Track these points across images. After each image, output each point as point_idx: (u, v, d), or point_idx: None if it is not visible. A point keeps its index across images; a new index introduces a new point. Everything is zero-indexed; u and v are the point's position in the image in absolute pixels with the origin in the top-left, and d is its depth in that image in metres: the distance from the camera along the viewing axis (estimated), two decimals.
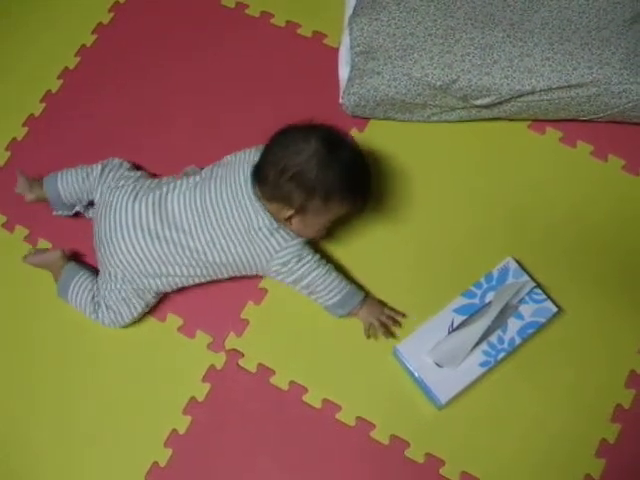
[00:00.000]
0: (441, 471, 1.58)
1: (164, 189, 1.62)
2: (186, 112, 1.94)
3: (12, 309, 1.78)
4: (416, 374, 1.59)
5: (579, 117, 1.80)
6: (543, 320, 1.63)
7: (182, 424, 1.65)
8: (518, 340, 1.61)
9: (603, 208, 1.78)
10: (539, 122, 1.85)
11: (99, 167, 1.72)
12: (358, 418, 1.63)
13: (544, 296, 1.64)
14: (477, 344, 1.58)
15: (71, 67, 2.02)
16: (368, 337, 1.67)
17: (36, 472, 1.65)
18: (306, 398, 1.65)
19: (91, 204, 1.76)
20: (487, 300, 1.64)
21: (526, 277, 1.65)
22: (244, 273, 1.65)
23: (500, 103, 1.76)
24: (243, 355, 1.69)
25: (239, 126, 1.91)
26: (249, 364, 1.69)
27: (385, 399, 1.65)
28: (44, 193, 1.76)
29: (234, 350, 1.70)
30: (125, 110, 1.96)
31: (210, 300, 1.71)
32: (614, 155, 1.82)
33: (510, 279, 1.65)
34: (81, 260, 1.79)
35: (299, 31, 2.00)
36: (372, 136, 1.87)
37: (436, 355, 1.59)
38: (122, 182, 1.68)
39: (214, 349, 1.70)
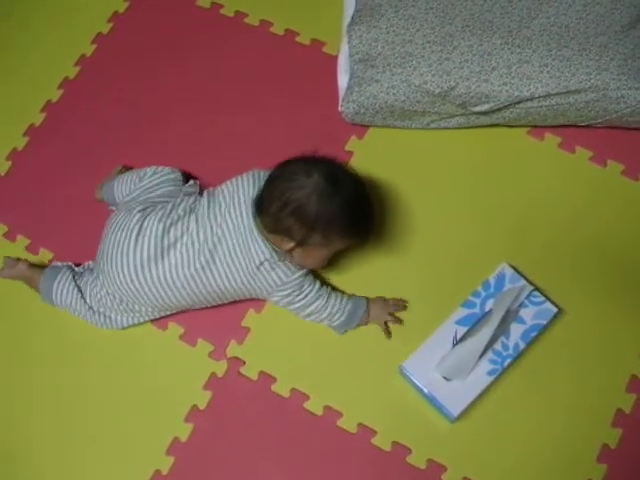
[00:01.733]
0: (443, 477, 1.58)
1: (167, 222, 1.60)
2: (186, 119, 1.95)
3: (12, 317, 1.79)
4: (425, 390, 1.59)
5: (578, 123, 1.81)
6: (545, 322, 1.63)
7: (184, 432, 1.65)
8: (522, 345, 1.61)
9: (603, 213, 1.78)
10: (538, 128, 1.85)
11: (148, 172, 1.75)
12: (359, 425, 1.63)
13: (543, 298, 1.65)
14: (483, 353, 1.58)
15: (71, 77, 2.03)
16: (390, 335, 1.69)
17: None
18: (307, 405, 1.65)
19: None
20: (487, 308, 1.64)
21: (523, 281, 1.66)
22: (243, 298, 1.67)
23: (499, 110, 1.77)
24: (244, 363, 1.70)
25: (238, 133, 1.92)
26: (250, 372, 1.69)
27: (386, 405, 1.65)
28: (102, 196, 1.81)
29: (235, 358, 1.70)
30: (125, 118, 1.97)
31: (211, 308, 1.71)
32: (613, 160, 1.82)
33: (507, 285, 1.65)
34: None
35: (298, 39, 2.01)
36: (371, 143, 1.88)
37: (443, 369, 1.58)
38: (139, 205, 1.67)
39: (215, 357, 1.70)
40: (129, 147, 1.93)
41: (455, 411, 1.57)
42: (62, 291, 1.69)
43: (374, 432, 1.62)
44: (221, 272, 1.56)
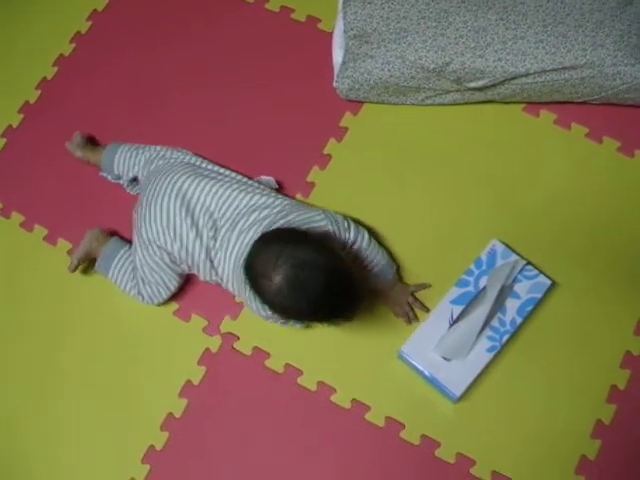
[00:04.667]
0: (436, 452, 1.59)
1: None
2: (181, 95, 1.95)
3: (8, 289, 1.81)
4: (426, 372, 1.59)
5: (573, 99, 1.80)
6: (539, 295, 1.63)
7: (178, 407, 1.66)
8: (519, 319, 1.61)
9: (598, 190, 1.78)
10: (533, 105, 1.84)
11: (164, 148, 1.77)
12: (353, 400, 1.63)
13: (536, 272, 1.65)
14: (480, 331, 1.58)
15: (66, 54, 2.03)
16: (410, 322, 1.68)
17: (30, 457, 1.67)
18: (301, 381, 1.66)
19: (135, 180, 1.77)
20: (481, 286, 1.64)
21: (515, 256, 1.66)
22: None
23: (494, 86, 1.76)
24: (238, 338, 1.70)
25: (233, 109, 1.92)
26: (244, 347, 1.69)
27: (379, 381, 1.65)
28: (98, 158, 1.81)
29: (229, 333, 1.70)
30: (120, 95, 1.97)
31: (205, 284, 1.71)
32: (609, 137, 1.82)
33: (499, 260, 1.65)
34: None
35: (293, 16, 2.00)
36: (366, 119, 1.87)
37: (442, 349, 1.58)
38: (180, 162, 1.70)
39: (209, 332, 1.71)
40: (124, 123, 1.93)
41: (457, 391, 1.57)
42: (120, 268, 1.70)
43: (368, 407, 1.63)
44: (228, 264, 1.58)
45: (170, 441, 1.64)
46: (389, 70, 1.76)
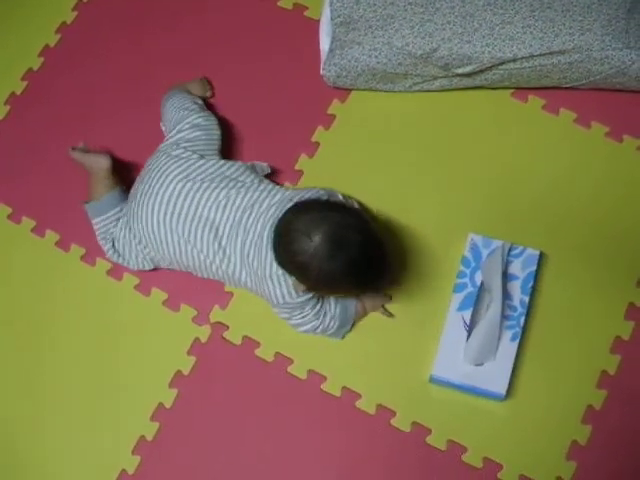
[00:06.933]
0: (427, 439, 1.59)
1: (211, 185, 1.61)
2: (169, 81, 1.91)
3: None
4: (464, 385, 1.58)
5: (562, 84, 1.80)
6: (534, 267, 1.64)
7: (168, 397, 1.66)
8: (526, 298, 1.62)
9: (586, 174, 1.77)
10: (521, 90, 1.84)
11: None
12: (343, 388, 1.63)
13: (521, 247, 1.65)
14: (500, 327, 1.58)
15: (52, 45, 2.01)
16: (392, 315, 1.68)
17: (19, 448, 1.67)
18: (291, 369, 1.66)
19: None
20: (478, 281, 1.63)
21: (497, 242, 1.65)
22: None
23: (481, 71, 1.76)
24: (228, 328, 1.70)
25: (220, 97, 1.91)
26: (234, 337, 1.69)
27: (369, 369, 1.65)
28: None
29: (219, 323, 1.70)
30: (108, 85, 1.96)
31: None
32: (597, 122, 1.81)
33: (483, 251, 1.65)
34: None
35: (280, 3, 1.99)
36: (354, 107, 1.87)
37: (472, 357, 1.57)
38: (182, 152, 1.67)
39: (199, 322, 1.71)
40: (112, 113, 1.93)
41: (502, 390, 1.56)
42: (105, 223, 1.71)
43: (358, 395, 1.63)
44: (237, 262, 1.57)
45: (161, 431, 1.64)
46: (376, 57, 1.75)
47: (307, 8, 1.97)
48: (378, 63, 1.76)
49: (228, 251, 1.57)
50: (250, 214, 1.56)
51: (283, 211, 1.50)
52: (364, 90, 1.86)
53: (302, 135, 1.84)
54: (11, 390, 1.71)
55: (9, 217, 1.84)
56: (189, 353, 1.68)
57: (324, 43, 1.87)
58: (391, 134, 1.84)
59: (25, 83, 1.98)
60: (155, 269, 1.71)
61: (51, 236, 1.81)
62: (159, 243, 1.61)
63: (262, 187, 1.62)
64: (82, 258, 1.78)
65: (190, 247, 1.58)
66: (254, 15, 1.99)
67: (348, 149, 1.82)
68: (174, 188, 1.59)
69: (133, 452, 1.63)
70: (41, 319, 1.75)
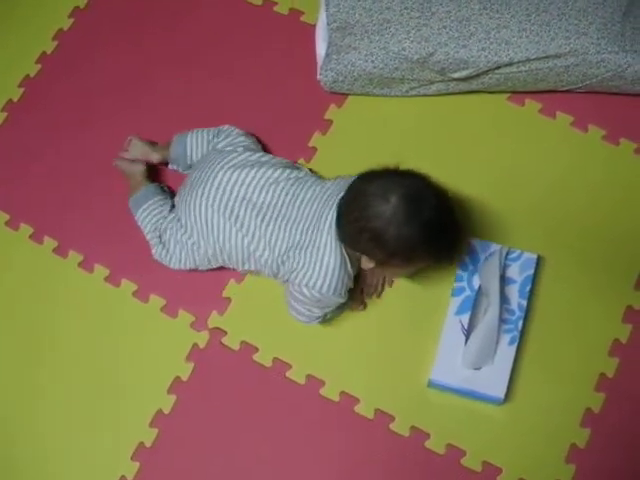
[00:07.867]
0: (426, 443, 1.59)
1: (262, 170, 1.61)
2: (166, 86, 1.94)
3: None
4: (463, 389, 1.58)
5: (558, 88, 1.80)
6: (532, 271, 1.63)
7: (167, 404, 1.66)
8: (524, 302, 1.61)
9: (583, 178, 1.78)
10: (518, 94, 1.84)
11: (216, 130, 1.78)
12: (342, 393, 1.63)
13: (519, 251, 1.65)
14: (498, 330, 1.58)
15: (49, 51, 2.01)
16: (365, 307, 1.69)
17: (18, 455, 1.66)
18: (290, 374, 1.65)
19: None
20: (476, 285, 1.63)
21: (494, 246, 1.65)
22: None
23: (478, 75, 1.76)
24: (226, 333, 1.69)
25: (217, 101, 1.92)
26: (232, 342, 1.69)
27: (367, 374, 1.65)
28: (165, 153, 1.81)
29: (217, 328, 1.70)
30: (105, 91, 1.96)
31: (192, 279, 1.71)
32: (594, 125, 1.82)
33: (481, 255, 1.65)
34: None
35: (276, 9, 1.99)
36: (351, 112, 1.87)
37: (470, 361, 1.57)
38: (230, 148, 1.70)
39: (197, 328, 1.70)
40: (109, 119, 1.92)
41: (500, 393, 1.56)
42: (148, 213, 1.73)
43: (357, 400, 1.63)
44: (282, 247, 1.56)
45: (160, 438, 1.64)
46: (372, 62, 1.76)
47: (303, 13, 1.98)
48: (375, 68, 1.76)
49: (271, 232, 1.56)
50: (303, 199, 1.57)
51: (342, 190, 1.50)
52: (361, 95, 1.86)
53: (299, 140, 1.84)
54: (9, 398, 1.70)
55: (7, 223, 1.83)
56: (187, 359, 1.68)
57: (320, 48, 1.87)
58: (388, 139, 1.84)
59: (22, 90, 1.98)
60: (156, 275, 1.72)
61: (49, 242, 1.81)
62: (206, 228, 1.60)
63: (309, 175, 1.65)
64: (80, 264, 1.78)
65: (235, 230, 1.58)
66: (250, 20, 1.99)
67: (345, 154, 1.82)
68: (223, 175, 1.60)
69: (132, 458, 1.62)
70: (39, 325, 1.74)
